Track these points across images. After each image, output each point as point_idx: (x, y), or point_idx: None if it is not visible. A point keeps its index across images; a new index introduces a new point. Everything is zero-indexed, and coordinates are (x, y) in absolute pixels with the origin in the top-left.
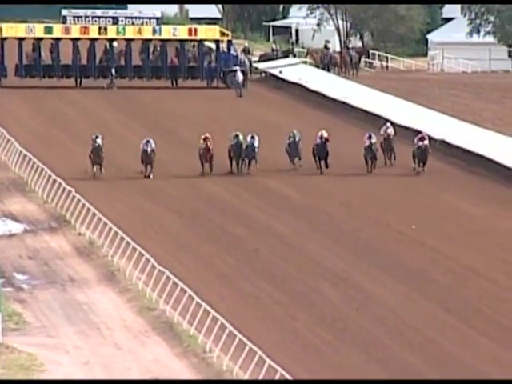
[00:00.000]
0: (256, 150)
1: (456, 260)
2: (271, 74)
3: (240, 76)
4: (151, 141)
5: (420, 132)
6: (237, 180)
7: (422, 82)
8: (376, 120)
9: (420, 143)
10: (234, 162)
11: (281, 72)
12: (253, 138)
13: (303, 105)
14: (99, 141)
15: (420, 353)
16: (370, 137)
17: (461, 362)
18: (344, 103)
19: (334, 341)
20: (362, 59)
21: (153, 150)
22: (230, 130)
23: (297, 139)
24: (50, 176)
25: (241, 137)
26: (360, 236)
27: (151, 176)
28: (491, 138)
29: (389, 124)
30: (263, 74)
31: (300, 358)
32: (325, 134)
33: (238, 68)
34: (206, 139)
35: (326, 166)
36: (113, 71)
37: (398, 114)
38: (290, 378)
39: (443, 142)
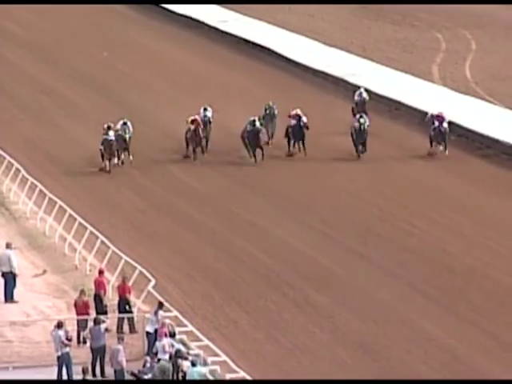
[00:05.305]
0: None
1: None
2: None
3: None
4: (128, 123)
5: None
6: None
7: None
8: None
9: (437, 123)
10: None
11: None
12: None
13: None
14: (111, 133)
15: (171, 188)
16: (360, 117)
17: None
18: None
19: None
20: None
21: (129, 138)
22: None
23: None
24: None
25: (257, 123)
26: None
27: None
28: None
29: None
30: None
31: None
32: (304, 119)
33: None
34: (194, 122)
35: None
36: None
37: None
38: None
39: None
